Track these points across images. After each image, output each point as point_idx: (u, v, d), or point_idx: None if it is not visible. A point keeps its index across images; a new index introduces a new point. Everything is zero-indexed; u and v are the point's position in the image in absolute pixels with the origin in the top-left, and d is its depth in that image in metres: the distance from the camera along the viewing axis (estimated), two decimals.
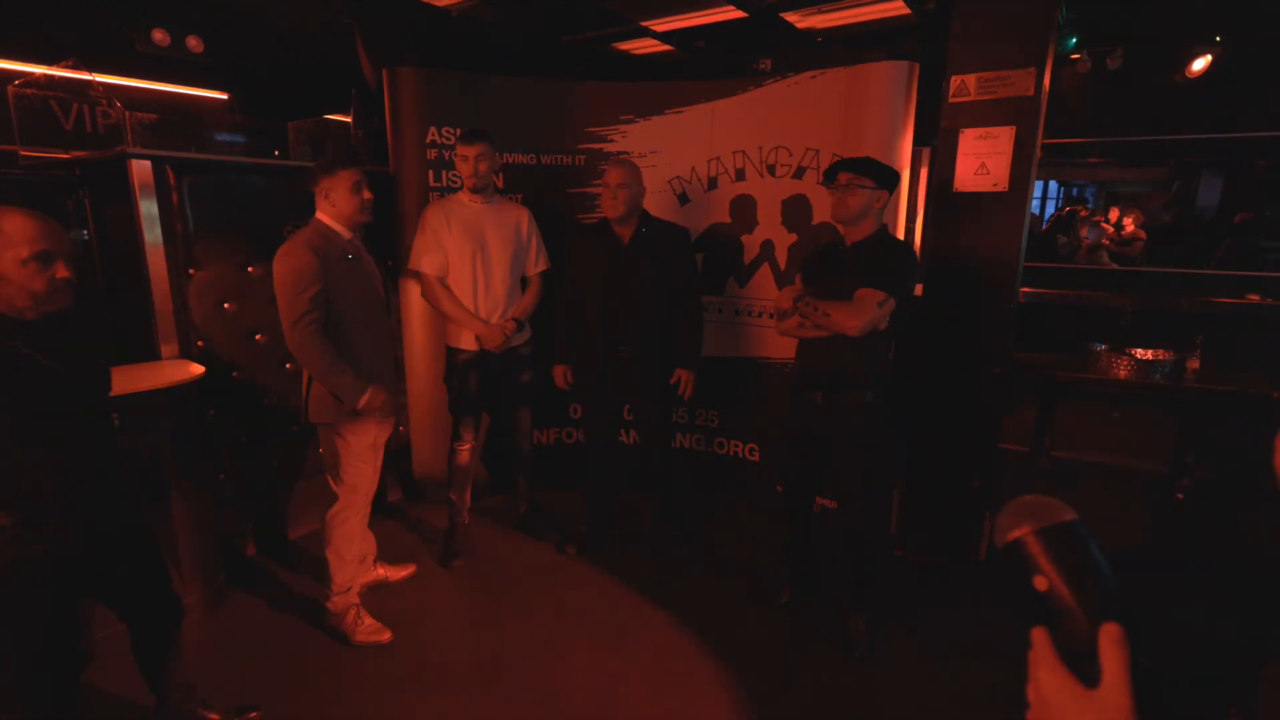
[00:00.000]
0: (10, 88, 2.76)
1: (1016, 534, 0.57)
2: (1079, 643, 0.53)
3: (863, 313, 2.14)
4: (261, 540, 3.09)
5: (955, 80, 2.72)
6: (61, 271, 1.48)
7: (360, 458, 2.40)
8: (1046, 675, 0.55)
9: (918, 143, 2.96)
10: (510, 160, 3.36)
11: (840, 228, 2.38)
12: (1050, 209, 6.31)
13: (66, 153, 2.82)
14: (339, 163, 2.30)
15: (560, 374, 3.03)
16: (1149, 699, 0.51)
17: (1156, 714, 0.51)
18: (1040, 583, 0.55)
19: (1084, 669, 0.53)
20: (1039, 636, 0.56)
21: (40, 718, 1.58)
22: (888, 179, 2.27)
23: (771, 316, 3.34)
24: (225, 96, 5.08)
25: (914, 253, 2.26)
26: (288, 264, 2.20)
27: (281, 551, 3.08)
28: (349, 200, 2.29)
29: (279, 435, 3.06)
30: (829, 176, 2.30)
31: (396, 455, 3.56)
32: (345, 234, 2.33)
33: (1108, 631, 0.52)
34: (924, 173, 3.69)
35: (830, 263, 2.37)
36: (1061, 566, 0.55)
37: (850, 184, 2.23)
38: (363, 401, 2.29)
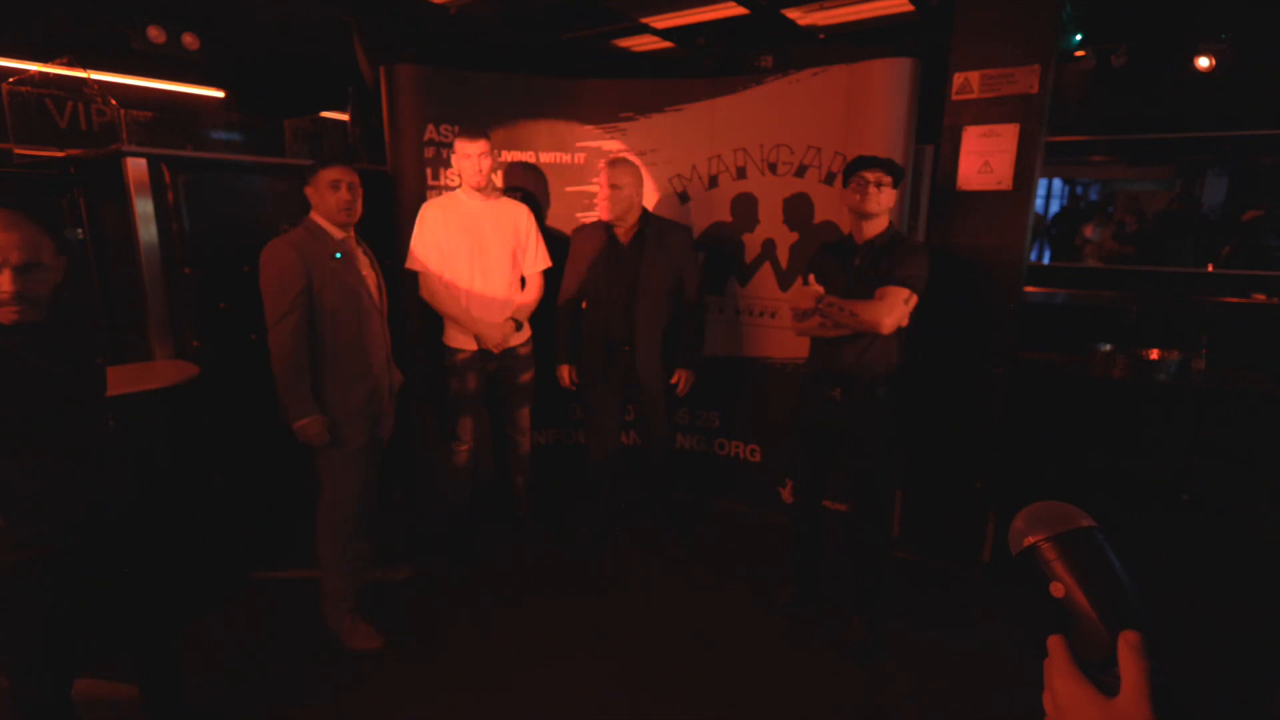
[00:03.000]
0: (4, 85, 2.73)
1: (1032, 540, 0.56)
2: (1097, 651, 0.52)
3: (891, 311, 2.15)
4: (257, 542, 3.06)
5: (958, 77, 2.69)
6: (5, 285, 1.40)
7: (350, 461, 2.37)
8: (1063, 684, 0.53)
9: (921, 140, 2.93)
10: (509, 158, 3.34)
11: (848, 226, 2.37)
12: (1055, 207, 6.28)
13: (61, 150, 2.80)
14: (321, 162, 2.30)
15: (565, 374, 3.01)
16: (1168, 710, 0.49)
17: None
18: (1057, 589, 0.54)
19: (1102, 678, 0.52)
20: (1055, 644, 0.55)
21: (39, 718, 1.57)
22: (902, 178, 2.30)
23: (771, 316, 3.32)
24: (221, 94, 5.06)
25: (928, 249, 2.25)
26: (270, 263, 2.20)
27: (277, 554, 3.06)
28: (325, 199, 2.27)
29: (275, 436, 3.03)
30: (851, 172, 2.28)
31: (393, 456, 3.53)
32: (336, 233, 2.31)
33: (1127, 639, 0.50)
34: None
35: (843, 261, 2.35)
36: (1079, 573, 0.54)
37: (879, 181, 2.23)
38: (299, 424, 2.25)
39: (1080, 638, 0.53)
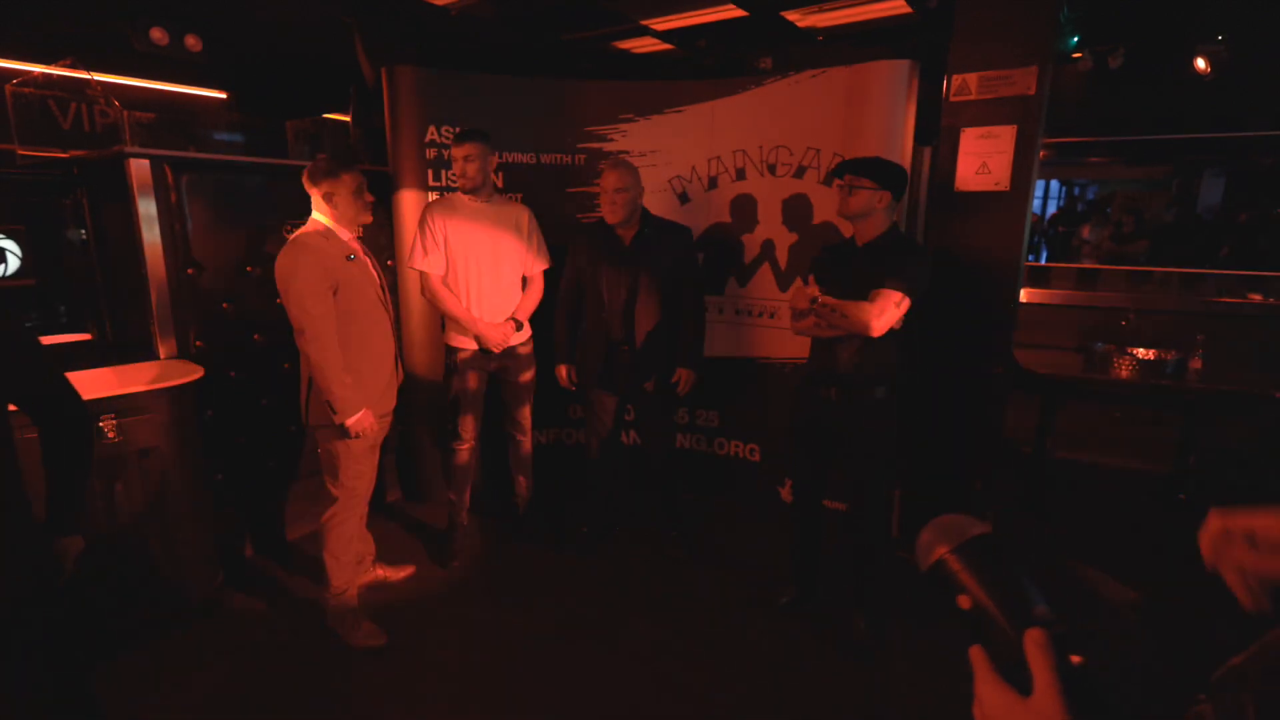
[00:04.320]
0: (8, 86, 2.75)
1: (936, 556, 0.59)
2: (1010, 653, 0.54)
3: (881, 313, 2.16)
4: (259, 542, 3.08)
5: (956, 79, 2.71)
6: None
7: (358, 459, 2.39)
8: (986, 691, 0.55)
9: (920, 142, 2.95)
10: (510, 159, 3.35)
11: (849, 228, 2.37)
12: (1052, 208, 6.30)
13: (64, 152, 2.81)
14: (343, 165, 2.29)
15: (564, 373, 3.02)
16: (1083, 699, 0.50)
17: (1091, 713, 0.51)
18: (964, 601, 0.56)
19: (1019, 678, 0.53)
20: (976, 655, 0.56)
21: None
22: (891, 179, 2.25)
23: (771, 316, 3.33)
24: (224, 95, 5.08)
25: (927, 252, 2.25)
26: (296, 266, 2.17)
27: (280, 553, 3.07)
28: (352, 203, 2.28)
29: (277, 436, 3.05)
30: (831, 177, 2.30)
31: (395, 455, 3.55)
32: (344, 234, 2.32)
33: (1030, 636, 0.52)
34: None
35: (843, 263, 2.36)
36: (981, 581, 0.56)
37: (849, 184, 2.24)
38: (353, 419, 2.27)
39: (994, 643, 0.55)
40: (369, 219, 2.37)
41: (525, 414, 3.08)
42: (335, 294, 2.23)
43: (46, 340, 2.80)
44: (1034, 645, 0.52)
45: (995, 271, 2.76)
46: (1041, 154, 2.71)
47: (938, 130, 2.80)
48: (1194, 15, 4.10)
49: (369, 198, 2.33)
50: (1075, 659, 0.52)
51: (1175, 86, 4.22)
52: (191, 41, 3.69)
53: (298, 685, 2.28)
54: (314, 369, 2.24)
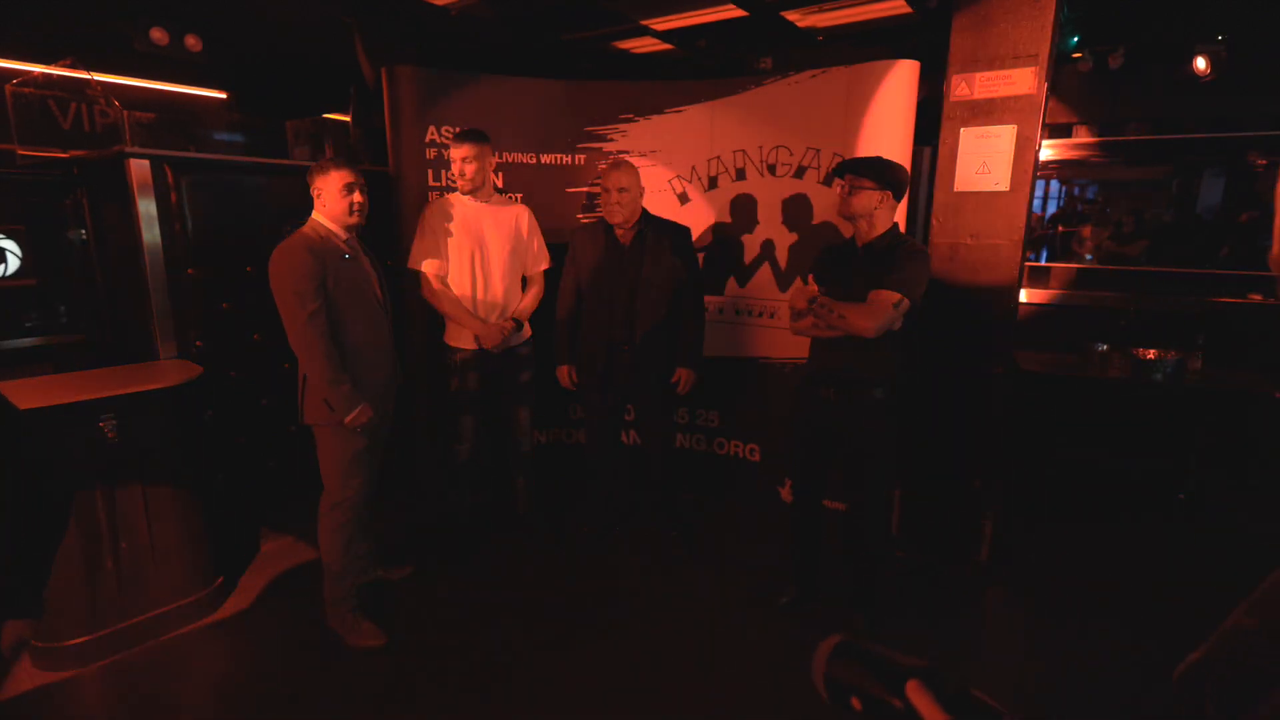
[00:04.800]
0: (8, 86, 2.76)
1: (821, 676, 0.66)
2: (907, 717, 0.61)
3: (878, 314, 2.15)
4: (259, 542, 3.08)
5: (956, 79, 2.71)
6: None
7: (356, 458, 2.39)
8: None
9: (920, 142, 2.95)
10: (510, 159, 3.36)
11: (850, 228, 2.37)
12: (1052, 208, 6.30)
13: (64, 152, 2.82)
14: (331, 163, 2.29)
15: (565, 374, 3.02)
16: (971, 713, 0.60)
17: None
18: (855, 703, 0.64)
19: None
20: None
21: None
22: (892, 179, 2.24)
23: (771, 316, 3.33)
24: (224, 96, 5.08)
25: (927, 254, 2.24)
26: (285, 263, 2.18)
27: (280, 553, 3.07)
28: (338, 201, 2.28)
29: (277, 436, 3.06)
30: (831, 177, 2.30)
31: (395, 455, 3.55)
32: (341, 233, 2.32)
33: (909, 689, 0.60)
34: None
35: (843, 264, 2.36)
36: (856, 674, 0.64)
37: (850, 184, 2.24)
38: (351, 417, 2.27)
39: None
40: (353, 221, 2.31)
41: (524, 414, 3.08)
42: (330, 293, 2.23)
43: (45, 340, 2.81)
44: (914, 694, 0.60)
45: (995, 272, 2.76)
46: (1044, 156, 2.70)
47: (938, 130, 2.80)
48: (1194, 15, 4.09)
49: (359, 198, 2.30)
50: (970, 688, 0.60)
51: (1175, 86, 4.22)
52: (191, 41, 3.69)
53: (298, 685, 2.28)
54: (307, 368, 2.25)
